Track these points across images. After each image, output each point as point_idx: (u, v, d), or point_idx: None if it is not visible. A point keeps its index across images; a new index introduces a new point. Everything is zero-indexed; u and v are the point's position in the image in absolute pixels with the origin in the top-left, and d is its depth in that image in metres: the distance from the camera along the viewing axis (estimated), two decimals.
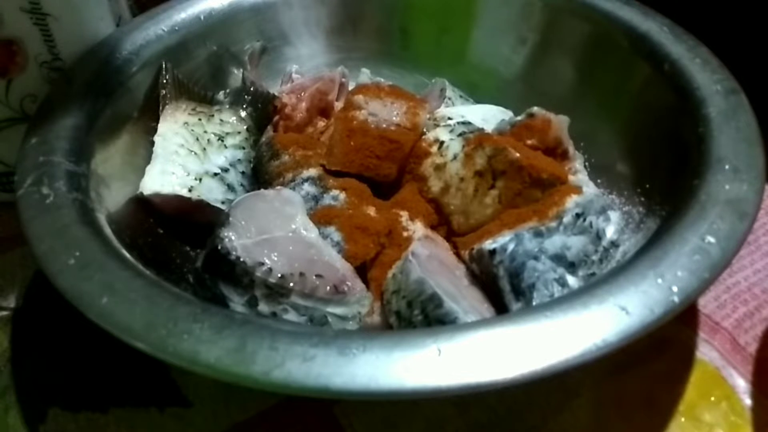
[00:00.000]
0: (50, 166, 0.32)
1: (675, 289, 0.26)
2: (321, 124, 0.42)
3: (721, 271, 0.27)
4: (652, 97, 0.38)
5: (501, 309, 0.31)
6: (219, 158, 0.39)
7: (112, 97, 0.38)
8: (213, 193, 0.37)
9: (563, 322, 0.25)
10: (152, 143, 0.38)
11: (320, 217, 0.34)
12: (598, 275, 0.32)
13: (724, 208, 0.29)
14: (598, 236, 0.33)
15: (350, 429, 0.32)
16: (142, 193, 0.36)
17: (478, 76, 0.48)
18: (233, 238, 0.30)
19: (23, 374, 0.35)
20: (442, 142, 0.37)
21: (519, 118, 0.38)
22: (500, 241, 0.31)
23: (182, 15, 0.44)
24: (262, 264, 0.30)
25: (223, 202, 0.37)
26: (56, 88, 0.38)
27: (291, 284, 0.30)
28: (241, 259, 0.29)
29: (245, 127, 0.42)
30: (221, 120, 0.41)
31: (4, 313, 0.37)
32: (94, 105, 0.37)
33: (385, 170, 0.37)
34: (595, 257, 0.33)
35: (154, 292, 0.27)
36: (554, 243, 0.32)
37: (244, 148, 0.41)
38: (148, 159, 0.38)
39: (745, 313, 0.36)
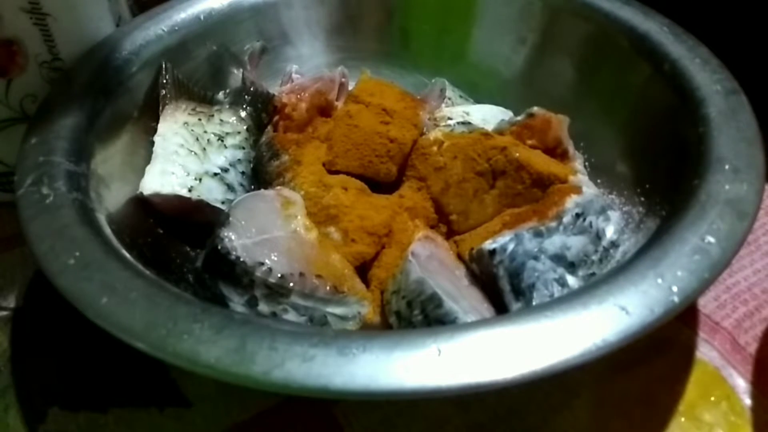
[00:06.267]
0: (50, 166, 0.32)
1: (675, 289, 0.26)
2: (321, 124, 0.42)
3: (721, 271, 0.27)
4: (652, 97, 0.38)
5: (501, 309, 0.31)
6: (219, 158, 0.39)
7: (112, 97, 0.38)
8: (213, 193, 0.37)
9: (563, 322, 0.25)
10: (152, 143, 0.38)
11: (320, 217, 0.34)
12: (598, 275, 0.32)
13: (724, 208, 0.29)
14: (598, 236, 0.33)
15: (350, 429, 0.32)
16: (142, 193, 0.36)
17: (478, 76, 0.48)
18: (233, 238, 0.30)
19: (23, 374, 0.35)
20: (442, 142, 0.37)
21: (519, 118, 0.38)
22: (500, 241, 0.31)
23: (182, 15, 0.44)
24: (262, 264, 0.30)
25: (223, 202, 0.37)
26: (56, 88, 0.38)
27: (291, 284, 0.30)
28: (241, 259, 0.29)
29: (245, 127, 0.42)
30: (221, 120, 0.41)
31: (4, 313, 0.37)
32: (94, 105, 0.37)
33: (385, 170, 0.37)
34: (595, 257, 0.33)
35: (154, 292, 0.27)
36: (554, 243, 0.32)
37: (244, 148, 0.41)
38: (148, 159, 0.38)
39: (745, 313, 0.36)
